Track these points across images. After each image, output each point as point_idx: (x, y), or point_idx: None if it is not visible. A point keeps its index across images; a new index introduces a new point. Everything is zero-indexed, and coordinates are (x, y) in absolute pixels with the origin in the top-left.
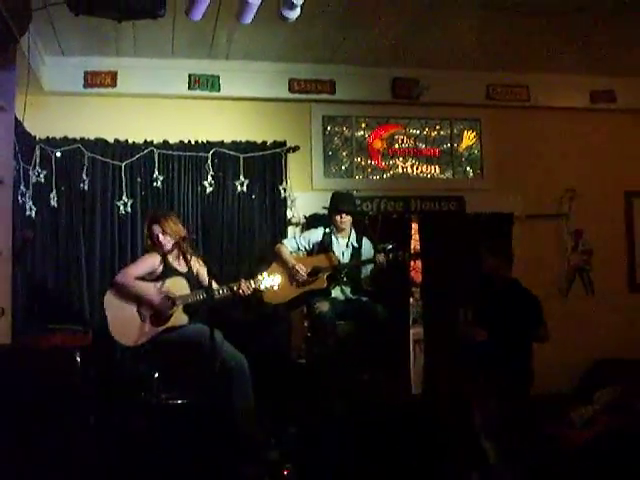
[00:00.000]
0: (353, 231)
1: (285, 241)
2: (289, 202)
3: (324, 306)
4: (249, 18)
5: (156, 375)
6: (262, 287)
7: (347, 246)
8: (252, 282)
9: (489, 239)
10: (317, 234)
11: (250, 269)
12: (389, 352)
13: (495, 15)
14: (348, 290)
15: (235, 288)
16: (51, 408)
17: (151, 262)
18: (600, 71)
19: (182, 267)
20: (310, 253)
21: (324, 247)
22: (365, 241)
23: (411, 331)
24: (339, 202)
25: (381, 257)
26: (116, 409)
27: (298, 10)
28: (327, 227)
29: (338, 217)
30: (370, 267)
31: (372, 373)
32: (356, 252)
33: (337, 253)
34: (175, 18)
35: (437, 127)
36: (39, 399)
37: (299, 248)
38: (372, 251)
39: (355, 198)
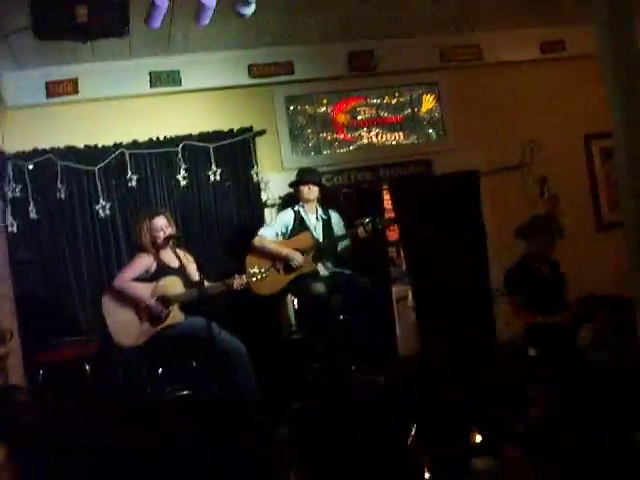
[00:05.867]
0: (318, 205)
1: (261, 232)
2: (262, 185)
3: (321, 287)
4: (206, 20)
5: (160, 370)
6: (254, 280)
7: (317, 219)
8: (244, 277)
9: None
10: (288, 215)
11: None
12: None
13: None
14: (329, 264)
15: (229, 283)
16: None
17: (145, 262)
18: (548, 22)
19: (174, 263)
20: (289, 236)
21: (298, 226)
22: (332, 213)
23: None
24: (304, 174)
25: (361, 230)
26: (125, 408)
27: (253, 6)
28: (294, 206)
29: (305, 188)
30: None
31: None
32: (327, 223)
33: (311, 228)
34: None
35: (396, 94)
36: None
37: (277, 235)
38: (341, 222)
39: (319, 172)
